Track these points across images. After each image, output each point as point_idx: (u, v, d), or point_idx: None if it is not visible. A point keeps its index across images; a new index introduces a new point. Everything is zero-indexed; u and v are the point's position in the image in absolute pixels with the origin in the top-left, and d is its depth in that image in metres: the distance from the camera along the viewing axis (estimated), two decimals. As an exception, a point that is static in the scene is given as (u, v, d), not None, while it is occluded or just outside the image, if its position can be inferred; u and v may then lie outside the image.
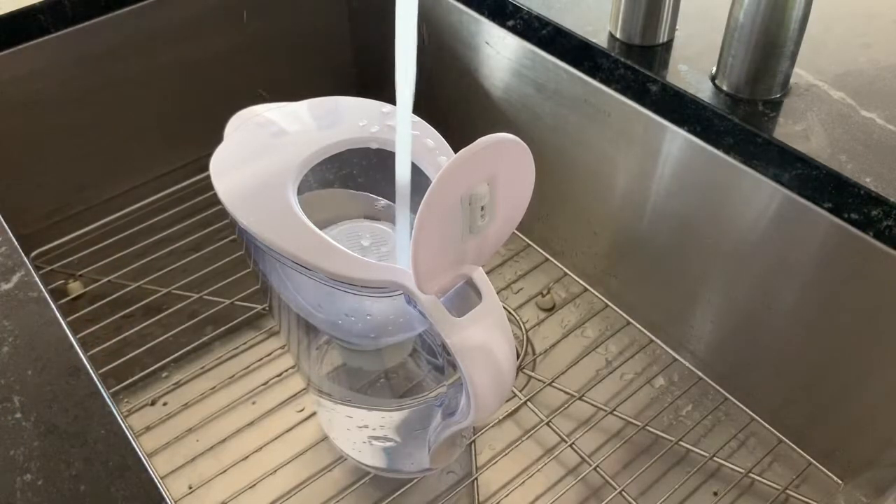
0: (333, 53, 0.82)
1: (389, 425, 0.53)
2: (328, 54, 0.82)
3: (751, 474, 0.58)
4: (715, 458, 0.58)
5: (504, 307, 0.45)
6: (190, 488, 0.57)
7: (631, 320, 0.67)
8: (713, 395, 0.63)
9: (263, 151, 0.44)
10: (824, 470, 0.58)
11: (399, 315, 0.43)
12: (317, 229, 0.40)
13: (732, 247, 0.56)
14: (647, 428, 0.60)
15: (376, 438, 0.55)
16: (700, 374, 0.63)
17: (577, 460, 0.59)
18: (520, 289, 0.71)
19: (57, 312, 0.42)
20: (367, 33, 0.81)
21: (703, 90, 0.53)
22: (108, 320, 0.66)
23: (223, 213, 0.42)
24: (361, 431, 0.55)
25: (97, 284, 0.69)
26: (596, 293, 0.69)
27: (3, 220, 0.47)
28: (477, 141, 0.34)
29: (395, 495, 0.56)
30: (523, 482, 0.57)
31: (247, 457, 0.58)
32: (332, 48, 0.82)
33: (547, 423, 0.61)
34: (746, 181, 0.52)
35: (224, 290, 0.68)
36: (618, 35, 0.57)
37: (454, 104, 0.74)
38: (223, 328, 0.67)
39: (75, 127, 0.69)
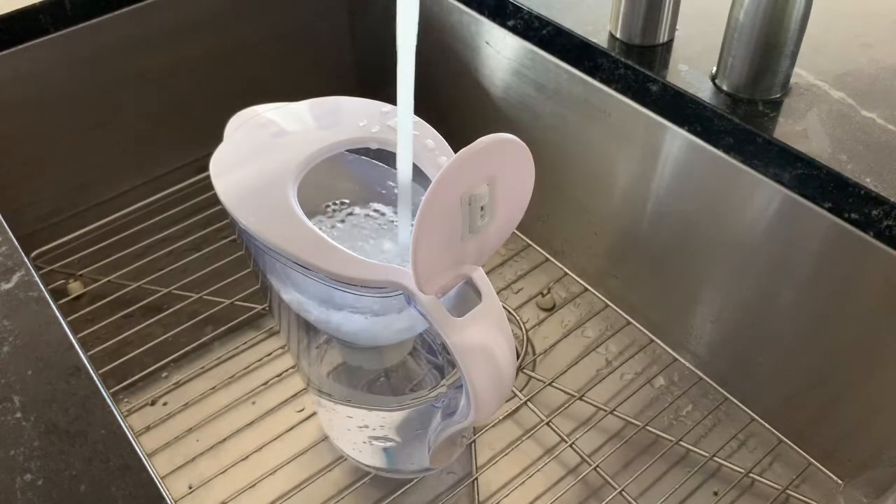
0: (333, 53, 0.82)
1: (389, 425, 0.53)
2: (328, 54, 0.82)
3: (751, 474, 0.58)
4: (715, 458, 0.58)
5: (504, 307, 0.45)
6: (190, 488, 0.57)
7: (631, 320, 0.67)
8: (713, 395, 0.63)
9: (263, 151, 0.44)
10: (824, 470, 0.58)
11: (399, 315, 0.43)
12: (317, 229, 0.40)
13: (732, 247, 0.56)
14: (647, 428, 0.60)
15: (376, 438, 0.55)
16: (700, 374, 0.63)
17: (577, 460, 0.59)
18: (520, 289, 0.71)
19: (57, 312, 0.42)
20: (367, 33, 0.81)
21: (703, 90, 0.53)
22: (108, 320, 0.66)
23: (223, 213, 0.42)
24: (361, 431, 0.55)
25: (97, 284, 0.69)
26: (596, 293, 0.69)
27: (3, 220, 0.47)
28: (477, 141, 0.34)
29: (395, 495, 0.56)
30: (523, 482, 0.57)
31: (247, 457, 0.58)
32: (332, 48, 0.82)
33: (547, 423, 0.61)
34: (746, 181, 0.52)
35: (224, 290, 0.68)
36: (618, 35, 0.57)
37: (454, 104, 0.74)
38: (223, 328, 0.67)
39: (75, 127, 0.69)
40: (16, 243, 0.46)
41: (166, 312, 0.67)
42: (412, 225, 0.34)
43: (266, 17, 0.75)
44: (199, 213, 0.73)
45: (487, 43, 0.66)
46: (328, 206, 0.48)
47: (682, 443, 0.59)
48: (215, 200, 0.42)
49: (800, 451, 0.59)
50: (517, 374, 0.64)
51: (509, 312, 0.68)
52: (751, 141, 0.51)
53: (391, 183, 0.47)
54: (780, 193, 0.50)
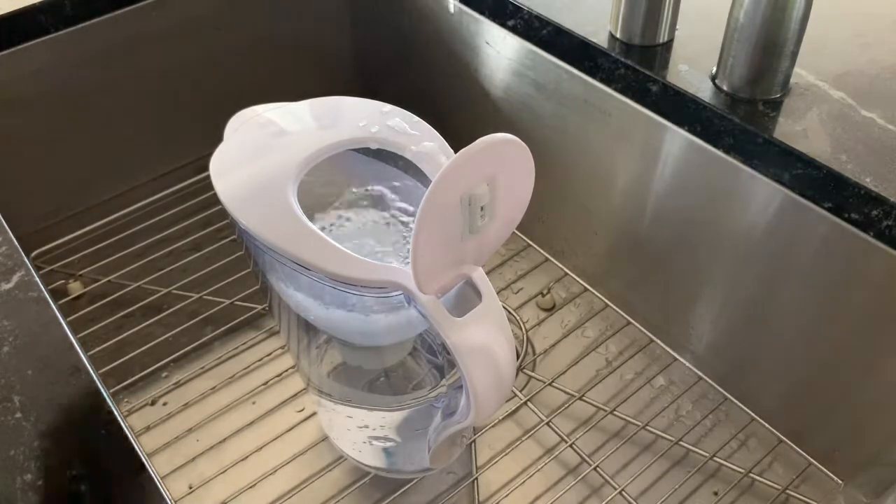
0: (333, 53, 0.82)
1: (389, 425, 0.53)
2: (328, 54, 0.82)
3: (751, 474, 0.58)
4: (715, 458, 0.58)
5: (504, 307, 0.45)
6: (190, 488, 0.57)
7: (631, 320, 0.67)
8: (713, 395, 0.63)
9: (263, 151, 0.44)
10: (824, 470, 0.58)
11: (399, 315, 0.43)
12: (317, 229, 0.40)
13: (732, 247, 0.56)
14: (647, 428, 0.60)
15: (376, 438, 0.55)
16: (700, 374, 0.63)
17: (577, 460, 0.59)
18: (520, 289, 0.71)
19: (57, 312, 0.42)
20: (367, 33, 0.81)
21: (703, 90, 0.53)
22: (108, 320, 0.66)
23: (223, 213, 0.42)
24: (362, 431, 0.55)
25: (97, 284, 0.69)
26: (596, 293, 0.69)
27: (3, 220, 0.47)
28: (477, 141, 0.34)
29: (395, 495, 0.56)
30: (523, 482, 0.57)
31: (247, 457, 0.58)
32: (332, 48, 0.82)
33: (547, 423, 0.61)
34: (746, 181, 0.52)
35: (224, 290, 0.68)
36: (618, 35, 0.57)
37: (454, 104, 0.74)
38: (223, 328, 0.67)
39: (75, 127, 0.69)
40: (16, 243, 0.46)
41: (166, 312, 0.67)
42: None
43: (266, 17, 0.75)
44: (199, 213, 0.73)
45: (487, 43, 0.66)
46: (328, 205, 0.48)
47: (682, 443, 0.59)
48: (215, 200, 0.42)
49: (800, 451, 0.59)
50: (517, 374, 0.64)
51: (509, 312, 0.68)
52: (751, 141, 0.51)
53: (392, 182, 0.47)
54: (780, 193, 0.50)
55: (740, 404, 0.61)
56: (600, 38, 0.58)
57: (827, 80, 0.53)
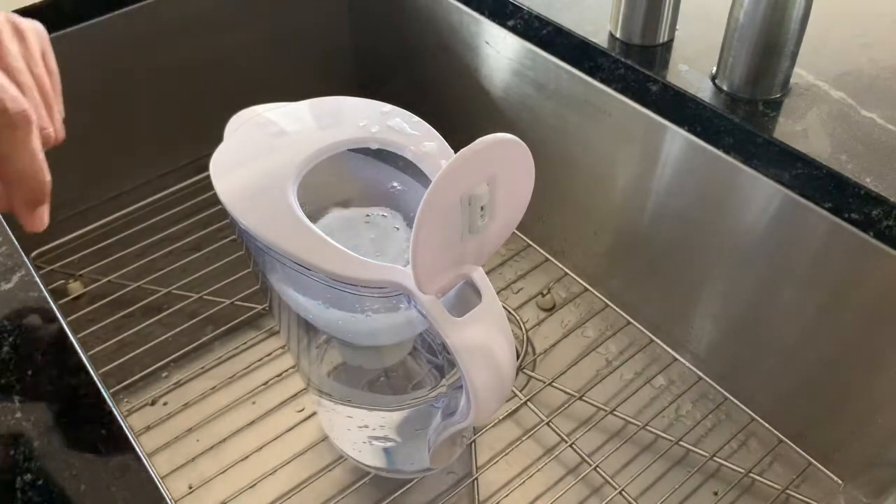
0: (333, 53, 0.82)
1: (389, 425, 0.53)
2: (328, 54, 0.82)
3: (751, 474, 0.58)
4: (715, 458, 0.58)
5: (504, 307, 0.45)
6: (190, 488, 0.57)
7: (631, 320, 0.67)
8: (713, 395, 0.63)
9: (263, 151, 0.44)
10: (824, 470, 0.58)
11: (399, 315, 0.43)
12: (317, 229, 0.40)
13: (732, 247, 0.56)
14: (647, 428, 0.60)
15: (376, 438, 0.55)
16: (700, 374, 0.63)
17: (577, 460, 0.59)
18: (520, 289, 0.71)
19: (57, 312, 0.42)
20: (367, 33, 0.81)
21: (703, 90, 0.53)
22: (108, 320, 0.66)
23: (223, 213, 0.42)
24: (362, 431, 0.55)
25: (97, 284, 0.69)
26: (596, 293, 0.69)
27: (3, 220, 0.47)
28: (477, 141, 0.34)
29: (395, 495, 0.56)
30: (523, 482, 0.57)
31: (247, 457, 0.58)
32: (332, 48, 0.82)
33: (547, 423, 0.61)
34: (746, 181, 0.52)
35: (224, 290, 0.68)
36: (618, 35, 0.57)
37: (454, 104, 0.74)
38: (223, 328, 0.67)
39: (75, 127, 0.69)
40: (16, 243, 0.46)
41: (166, 312, 0.67)
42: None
43: (266, 17, 0.75)
44: (199, 213, 0.73)
45: (487, 43, 0.66)
46: (328, 205, 0.48)
47: (682, 443, 0.59)
48: (215, 200, 0.42)
49: (800, 451, 0.59)
50: (517, 374, 0.64)
51: (509, 312, 0.68)
52: (751, 141, 0.51)
53: (392, 183, 0.47)
54: (780, 193, 0.50)
55: (740, 404, 0.61)
56: (600, 38, 0.58)
57: (827, 80, 0.53)
